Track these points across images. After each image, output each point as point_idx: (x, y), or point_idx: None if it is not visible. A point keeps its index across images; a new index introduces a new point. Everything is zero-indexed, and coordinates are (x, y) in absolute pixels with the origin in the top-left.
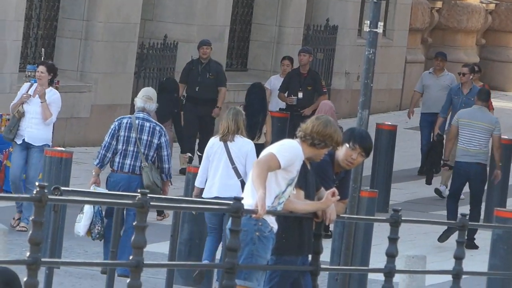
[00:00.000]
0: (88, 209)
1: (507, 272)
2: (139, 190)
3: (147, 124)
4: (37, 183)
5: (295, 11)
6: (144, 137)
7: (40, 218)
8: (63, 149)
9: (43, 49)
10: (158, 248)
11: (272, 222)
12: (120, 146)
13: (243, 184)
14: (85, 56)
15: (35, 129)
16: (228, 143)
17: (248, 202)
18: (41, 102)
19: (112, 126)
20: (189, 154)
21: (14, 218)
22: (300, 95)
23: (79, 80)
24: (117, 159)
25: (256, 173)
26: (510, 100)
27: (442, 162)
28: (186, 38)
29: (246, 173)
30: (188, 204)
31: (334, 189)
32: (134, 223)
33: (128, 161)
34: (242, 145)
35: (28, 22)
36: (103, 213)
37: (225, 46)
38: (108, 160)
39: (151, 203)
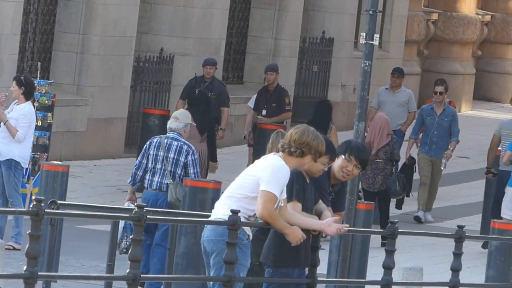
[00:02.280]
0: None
1: (504, 284)
2: (135, 204)
3: (175, 143)
4: (33, 197)
5: (291, 23)
6: (171, 155)
7: (37, 232)
8: (59, 162)
9: (39, 63)
10: None
11: (248, 230)
12: (149, 164)
13: None
14: (82, 69)
15: (3, 144)
16: None
17: (224, 212)
18: (4, 123)
19: (144, 146)
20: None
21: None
22: (264, 112)
23: (76, 94)
24: (147, 177)
25: (271, 219)
26: (506, 111)
27: (486, 169)
28: (182, 51)
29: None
30: (185, 217)
31: (336, 217)
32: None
33: (156, 179)
34: None
35: (24, 36)
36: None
37: (221, 59)
38: (140, 178)
39: (148, 217)
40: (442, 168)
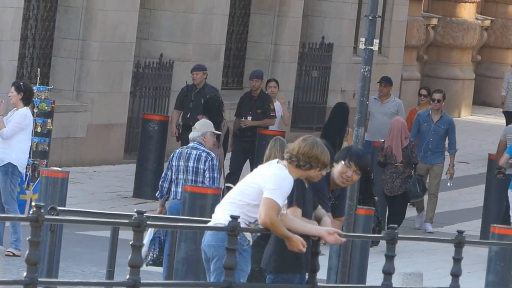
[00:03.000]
0: (146, 235)
1: None
2: (135, 210)
3: (194, 151)
4: (33, 203)
5: (290, 29)
6: (191, 164)
7: (37, 238)
8: (59, 169)
9: (39, 69)
10: (155, 268)
11: (248, 235)
12: (173, 176)
13: None
14: (81, 75)
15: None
16: None
17: (225, 218)
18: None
19: (169, 157)
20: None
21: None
22: (249, 118)
23: (75, 100)
24: (172, 188)
25: (273, 226)
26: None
27: (496, 170)
28: (182, 57)
29: None
30: (184, 223)
31: (337, 229)
32: (131, 243)
33: (179, 189)
34: None
35: (24, 42)
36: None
37: (220, 64)
38: (167, 190)
39: (148, 223)
40: (448, 185)
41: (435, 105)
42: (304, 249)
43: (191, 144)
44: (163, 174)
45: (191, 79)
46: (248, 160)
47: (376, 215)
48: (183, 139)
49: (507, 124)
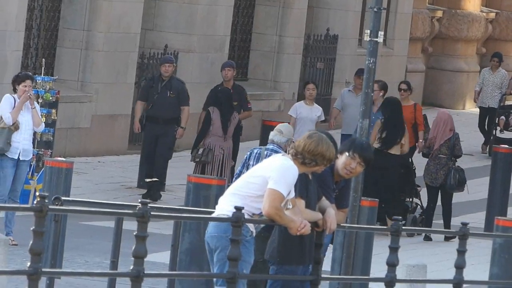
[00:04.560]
0: None
1: (508, 281)
2: (139, 200)
3: (274, 154)
4: (37, 193)
5: (295, 20)
6: None
7: (41, 228)
8: (63, 159)
9: (43, 59)
10: (158, 258)
11: (251, 226)
12: None
13: None
14: (86, 66)
15: (29, 142)
16: None
17: (228, 209)
18: (33, 108)
19: (244, 156)
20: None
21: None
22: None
23: (80, 90)
24: None
25: (278, 217)
26: None
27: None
28: (187, 48)
29: None
30: (188, 214)
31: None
32: (135, 233)
33: None
34: None
35: (29, 32)
36: None
37: (225, 56)
38: None
39: (152, 213)
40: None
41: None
42: (303, 230)
43: (270, 146)
44: (237, 171)
45: (162, 71)
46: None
47: (420, 205)
48: (147, 131)
49: (480, 119)
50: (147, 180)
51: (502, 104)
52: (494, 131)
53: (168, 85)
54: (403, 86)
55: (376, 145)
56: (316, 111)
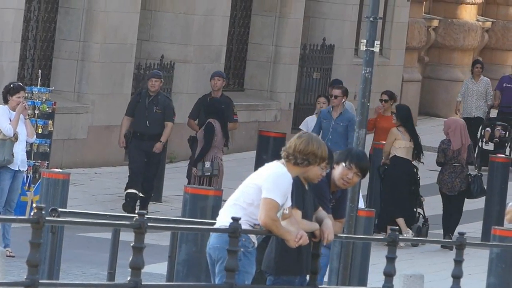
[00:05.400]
0: None
1: None
2: (136, 212)
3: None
4: (34, 205)
5: (291, 30)
6: None
7: (38, 240)
8: (60, 170)
9: (40, 70)
10: (156, 269)
11: (253, 237)
12: None
13: None
14: (82, 77)
15: (25, 152)
16: None
17: (228, 220)
18: (26, 119)
19: None
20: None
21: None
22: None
23: (76, 101)
24: None
25: (274, 227)
26: None
27: None
28: (183, 58)
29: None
30: (185, 225)
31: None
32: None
33: None
34: None
35: (25, 43)
36: None
37: (221, 66)
38: None
39: (149, 224)
40: None
41: (333, 101)
42: (301, 241)
43: None
44: None
45: (149, 86)
46: None
47: (423, 214)
48: (133, 147)
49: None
50: (129, 190)
51: (488, 116)
52: (481, 143)
53: (155, 101)
54: (384, 97)
55: (403, 155)
56: None
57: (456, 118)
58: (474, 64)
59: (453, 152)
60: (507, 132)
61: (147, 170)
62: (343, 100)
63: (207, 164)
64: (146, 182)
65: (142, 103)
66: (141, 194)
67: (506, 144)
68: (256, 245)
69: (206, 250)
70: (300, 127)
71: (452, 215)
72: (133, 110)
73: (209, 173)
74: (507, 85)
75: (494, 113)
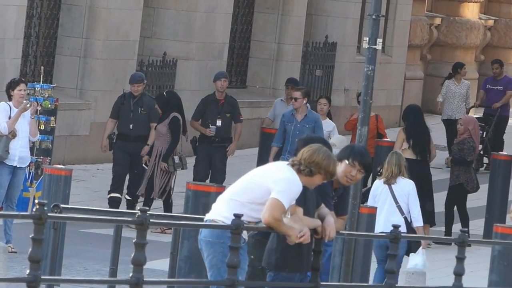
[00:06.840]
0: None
1: None
2: (138, 208)
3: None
4: (36, 201)
5: (294, 28)
6: None
7: (40, 236)
8: (62, 166)
9: (42, 67)
10: (158, 265)
11: (244, 234)
12: None
13: (406, 220)
14: (84, 73)
15: (25, 149)
16: (392, 185)
17: (225, 215)
18: (32, 118)
19: None
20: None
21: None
22: (219, 123)
23: (79, 98)
24: None
25: (276, 226)
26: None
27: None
28: (185, 55)
29: (409, 210)
30: (187, 221)
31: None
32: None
33: None
34: (405, 185)
35: (27, 40)
36: None
37: (224, 63)
38: None
39: (151, 220)
40: None
41: (294, 104)
42: (303, 238)
43: None
44: None
45: (132, 91)
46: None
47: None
48: (118, 148)
49: (447, 132)
50: (112, 195)
51: None
52: None
53: (140, 102)
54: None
55: (409, 156)
56: (328, 126)
57: (471, 116)
58: (458, 68)
59: (472, 148)
60: (484, 132)
61: (132, 173)
62: (304, 101)
63: (176, 159)
64: (132, 184)
65: (126, 105)
66: (127, 197)
67: (481, 144)
68: (246, 241)
69: (198, 237)
70: (268, 116)
71: (464, 214)
72: (117, 112)
73: (180, 168)
74: (489, 86)
75: (480, 113)
